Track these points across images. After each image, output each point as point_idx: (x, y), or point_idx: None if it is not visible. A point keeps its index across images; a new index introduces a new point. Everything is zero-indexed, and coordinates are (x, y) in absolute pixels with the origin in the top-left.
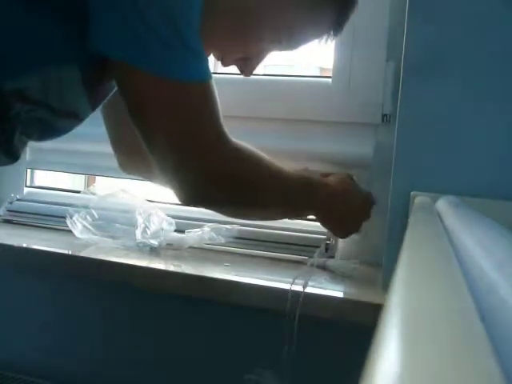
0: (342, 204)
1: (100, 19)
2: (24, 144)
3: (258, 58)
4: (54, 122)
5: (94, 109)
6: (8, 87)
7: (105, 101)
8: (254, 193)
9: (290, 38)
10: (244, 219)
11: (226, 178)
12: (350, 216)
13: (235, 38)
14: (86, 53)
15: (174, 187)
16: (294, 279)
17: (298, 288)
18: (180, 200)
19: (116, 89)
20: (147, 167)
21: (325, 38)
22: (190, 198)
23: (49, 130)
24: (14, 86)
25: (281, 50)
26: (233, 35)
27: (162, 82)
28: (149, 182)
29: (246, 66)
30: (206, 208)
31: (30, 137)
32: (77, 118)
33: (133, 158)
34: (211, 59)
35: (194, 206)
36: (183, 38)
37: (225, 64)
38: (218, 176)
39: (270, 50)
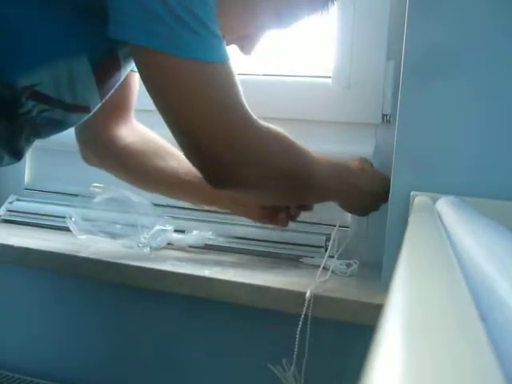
0: (364, 185)
1: (121, 8)
2: (30, 144)
3: (257, 35)
4: (65, 118)
5: (102, 99)
6: (21, 83)
7: (112, 90)
8: (284, 174)
9: (289, 11)
10: (272, 202)
11: (257, 158)
12: (369, 201)
13: (236, 13)
14: (95, 44)
15: (202, 169)
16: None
17: (298, 288)
18: (209, 182)
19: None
20: (109, 160)
21: (321, 11)
22: (220, 179)
23: (59, 127)
24: (26, 82)
25: (279, 27)
26: (234, 10)
27: (189, 63)
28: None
29: (247, 45)
30: (235, 190)
31: (38, 136)
32: (87, 110)
33: (95, 151)
34: None
35: (223, 188)
36: (203, 21)
37: (226, 43)
38: (249, 156)
39: (270, 26)
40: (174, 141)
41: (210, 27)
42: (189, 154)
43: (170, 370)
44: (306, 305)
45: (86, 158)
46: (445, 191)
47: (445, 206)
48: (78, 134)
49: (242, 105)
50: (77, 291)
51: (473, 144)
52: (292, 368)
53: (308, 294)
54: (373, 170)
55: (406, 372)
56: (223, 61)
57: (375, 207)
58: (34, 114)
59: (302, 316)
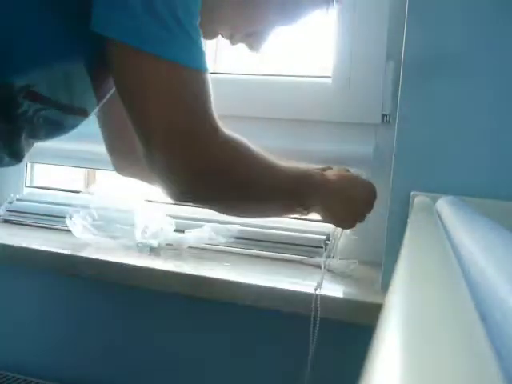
0: (343, 196)
1: (101, 2)
2: (29, 146)
3: (265, 33)
4: (62, 119)
5: (99, 103)
6: (17, 84)
7: (108, 95)
8: (249, 187)
9: (294, 6)
10: (240, 216)
11: (221, 170)
12: (352, 207)
13: (244, 10)
14: (91, 47)
15: (164, 181)
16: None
17: (298, 288)
18: (170, 196)
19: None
20: (143, 170)
21: (326, 5)
22: (181, 192)
23: (57, 129)
24: (22, 82)
25: (285, 23)
26: (242, 8)
27: (162, 62)
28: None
29: (255, 43)
30: (197, 203)
31: (36, 138)
32: (84, 113)
33: (128, 161)
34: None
35: (184, 201)
36: (183, 25)
37: (234, 42)
38: (213, 168)
39: (276, 22)
40: None
41: (192, 34)
42: (148, 156)
43: (170, 370)
44: (313, 305)
45: (120, 170)
46: (445, 191)
47: (445, 206)
48: (110, 145)
49: (211, 115)
50: (77, 291)
51: (473, 144)
52: (308, 368)
53: (315, 295)
54: (351, 174)
55: (406, 372)
56: (201, 69)
57: (361, 214)
58: (30, 113)
59: (312, 316)
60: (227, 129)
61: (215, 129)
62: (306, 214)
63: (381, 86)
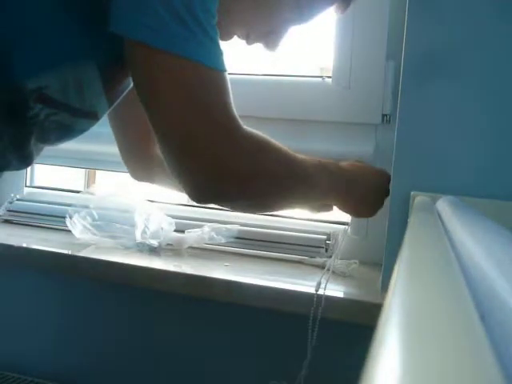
0: (361, 185)
1: (121, 2)
2: (39, 150)
3: (280, 32)
4: (73, 123)
5: (110, 107)
6: (29, 86)
7: (120, 98)
8: (272, 184)
9: (309, 4)
10: (265, 212)
11: (243, 169)
12: (370, 196)
13: (260, 10)
14: (104, 49)
15: (184, 181)
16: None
17: (300, 289)
18: (192, 197)
19: (125, 92)
20: (159, 174)
21: (338, 5)
22: (203, 193)
23: (67, 133)
24: (34, 84)
25: (300, 21)
26: (258, 7)
27: (185, 62)
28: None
29: (271, 41)
30: (220, 204)
31: (46, 142)
32: (95, 117)
33: (143, 166)
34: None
35: (206, 203)
36: (202, 25)
37: (250, 42)
38: (235, 167)
39: (291, 21)
40: None
41: (211, 34)
42: (170, 160)
43: (170, 370)
44: (314, 305)
45: (135, 175)
46: (445, 191)
47: (445, 206)
48: (124, 152)
49: (231, 114)
50: (77, 291)
51: (473, 144)
52: (304, 370)
53: (316, 295)
54: (367, 164)
55: (406, 372)
56: (220, 69)
57: (379, 202)
58: (41, 117)
59: (311, 317)
60: (247, 127)
61: (236, 128)
62: (328, 209)
63: (381, 86)
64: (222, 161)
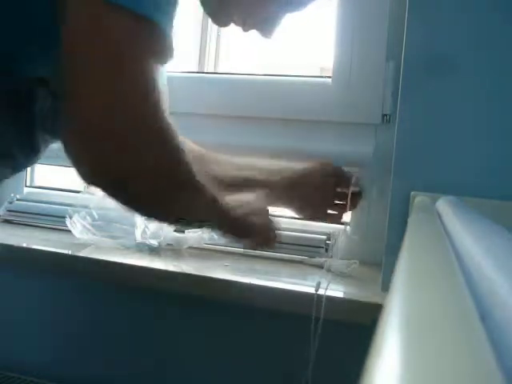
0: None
1: None
2: (46, 143)
3: (276, 19)
4: None
5: None
6: (33, 77)
7: None
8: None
9: None
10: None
11: (143, 143)
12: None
13: None
14: None
15: (73, 139)
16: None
17: (300, 289)
18: (81, 174)
19: None
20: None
21: None
22: (92, 173)
23: None
24: (38, 75)
25: (296, 7)
26: None
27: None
28: None
29: (266, 28)
30: (105, 192)
31: (52, 133)
32: None
33: None
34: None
35: (92, 185)
36: None
37: (246, 28)
38: (136, 138)
39: (287, 8)
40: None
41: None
42: (67, 127)
43: (170, 370)
44: (314, 306)
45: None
46: (445, 191)
47: (445, 206)
48: None
49: (154, 95)
50: (76, 291)
51: (473, 144)
52: (309, 370)
53: (316, 295)
54: (312, 175)
55: (406, 372)
56: (146, 15)
57: (327, 196)
58: (46, 107)
59: (313, 317)
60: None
61: (160, 115)
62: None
63: (381, 86)
64: (128, 141)
